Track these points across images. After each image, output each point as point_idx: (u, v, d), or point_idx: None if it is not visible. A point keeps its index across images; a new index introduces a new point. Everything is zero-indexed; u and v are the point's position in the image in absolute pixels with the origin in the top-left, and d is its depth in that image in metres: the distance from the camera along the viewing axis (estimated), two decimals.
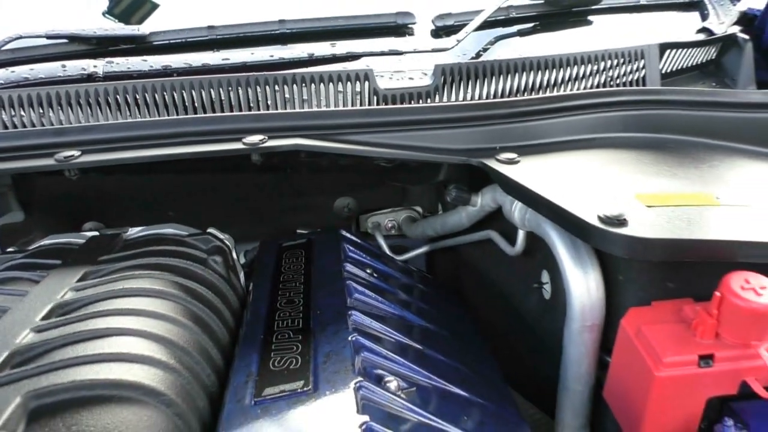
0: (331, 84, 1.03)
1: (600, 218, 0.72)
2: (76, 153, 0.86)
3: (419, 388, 0.73)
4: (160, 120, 0.91)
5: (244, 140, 0.87)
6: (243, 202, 1.21)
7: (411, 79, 1.08)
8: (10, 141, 0.89)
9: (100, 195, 1.25)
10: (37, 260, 0.83)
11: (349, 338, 0.72)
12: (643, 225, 0.72)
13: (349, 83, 1.04)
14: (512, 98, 1.02)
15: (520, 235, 0.93)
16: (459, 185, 1.02)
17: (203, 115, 0.98)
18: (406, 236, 1.31)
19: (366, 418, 0.59)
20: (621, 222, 0.71)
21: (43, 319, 0.65)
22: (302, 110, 0.98)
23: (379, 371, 0.69)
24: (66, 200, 1.25)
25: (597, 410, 0.87)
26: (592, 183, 0.84)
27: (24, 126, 0.99)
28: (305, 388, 0.63)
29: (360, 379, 0.64)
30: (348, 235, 1.06)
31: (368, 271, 0.94)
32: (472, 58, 1.20)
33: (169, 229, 0.93)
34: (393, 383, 0.68)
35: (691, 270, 0.76)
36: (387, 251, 1.24)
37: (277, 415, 0.60)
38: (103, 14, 1.48)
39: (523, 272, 0.98)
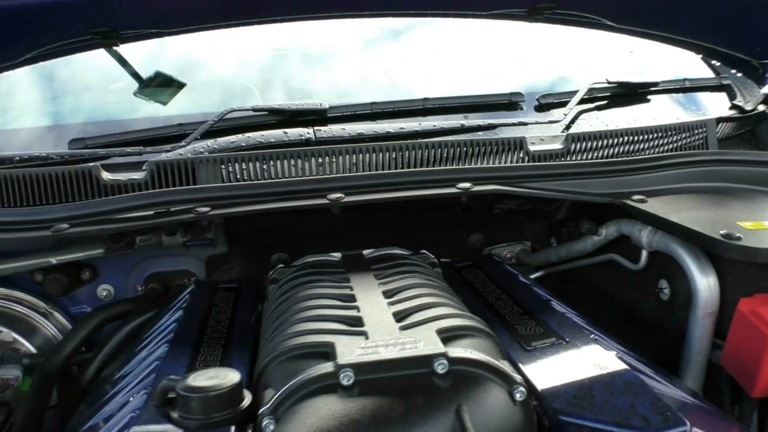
0: (496, 146, 1.41)
1: (722, 235, 1.11)
2: (341, 195, 1.21)
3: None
4: (397, 172, 1.27)
5: (458, 186, 1.23)
6: (405, 236, 1.55)
7: (553, 143, 1.46)
8: (289, 186, 1.24)
9: (282, 231, 1.58)
10: (320, 268, 1.16)
11: (565, 314, 1.07)
12: (751, 240, 1.10)
13: (507, 146, 1.42)
14: (630, 158, 1.41)
15: (644, 254, 1.30)
16: (590, 220, 1.40)
17: (427, 168, 1.34)
18: (522, 264, 1.67)
19: (615, 354, 0.93)
20: (737, 238, 1.10)
21: (389, 300, 0.98)
22: (494, 165, 1.35)
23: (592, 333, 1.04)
24: (259, 236, 1.58)
25: (709, 377, 1.22)
26: (704, 216, 1.22)
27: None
28: (559, 341, 0.98)
29: (591, 333, 0.99)
30: (498, 259, 1.42)
31: (526, 278, 1.30)
32: (585, 130, 1.57)
33: (395, 250, 1.27)
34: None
35: None
36: None
37: (545, 356, 0.94)
38: (135, 94, 1.81)
39: (641, 283, 1.34)
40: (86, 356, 1.34)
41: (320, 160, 1.36)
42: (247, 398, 0.81)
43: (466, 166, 1.33)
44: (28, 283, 1.45)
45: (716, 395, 1.22)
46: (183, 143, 1.44)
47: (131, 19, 1.47)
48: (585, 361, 0.91)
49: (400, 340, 0.82)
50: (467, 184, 1.24)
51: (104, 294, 1.53)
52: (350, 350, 0.79)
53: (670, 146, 1.54)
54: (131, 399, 0.88)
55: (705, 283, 1.17)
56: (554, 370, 0.90)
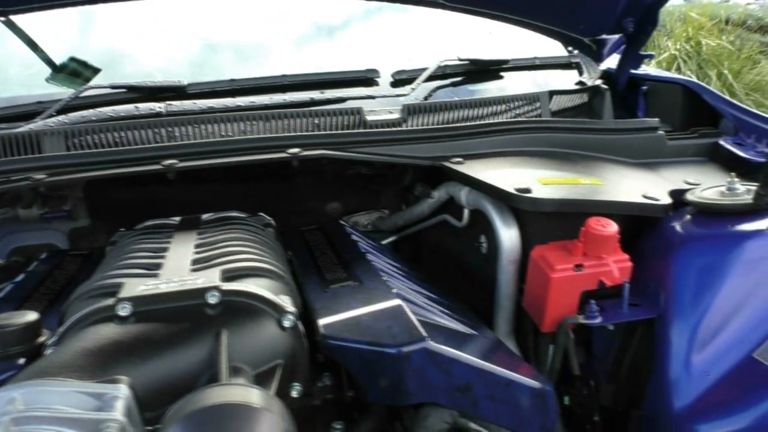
0: (333, 117, 1.51)
1: (516, 189, 1.24)
2: (176, 161, 1.29)
3: (420, 294, 1.19)
4: (231, 139, 1.36)
5: (288, 151, 1.33)
6: (262, 207, 1.63)
7: (390, 113, 1.58)
8: (126, 155, 1.31)
9: (150, 203, 1.64)
10: (154, 230, 1.24)
11: (371, 262, 1.18)
12: (540, 192, 1.23)
13: (345, 117, 1.52)
14: (457, 125, 1.54)
15: (466, 212, 1.42)
16: (423, 184, 1.52)
17: (259, 136, 1.43)
18: (379, 231, 1.78)
19: (396, 290, 1.05)
20: (527, 190, 1.23)
21: (196, 250, 1.07)
22: (324, 132, 1.45)
23: (394, 279, 1.16)
24: (126, 208, 1.63)
25: (519, 319, 1.36)
26: (509, 174, 1.35)
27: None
28: (355, 283, 1.08)
29: (386, 278, 1.11)
30: (345, 223, 1.52)
31: (364, 239, 1.41)
32: (422, 101, 1.71)
33: (233, 213, 1.35)
34: (401, 284, 1.14)
35: (571, 222, 1.27)
36: None
37: (341, 294, 1.05)
38: (47, 80, 1.86)
39: (468, 240, 1.47)
40: None
41: (161, 130, 1.43)
42: (47, 335, 0.89)
43: (298, 134, 1.43)
44: None
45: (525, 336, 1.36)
46: (37, 119, 1.49)
47: None
48: (366, 298, 1.02)
49: (184, 279, 0.91)
50: (296, 149, 1.34)
51: None
52: (134, 288, 0.88)
53: (505, 116, 1.67)
54: None
55: (507, 234, 1.30)
56: (338, 305, 1.01)
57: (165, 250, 1.08)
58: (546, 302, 1.22)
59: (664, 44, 6.93)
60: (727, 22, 6.94)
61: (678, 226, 1.28)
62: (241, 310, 0.87)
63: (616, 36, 1.81)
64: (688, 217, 1.30)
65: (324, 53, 2.07)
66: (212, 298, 0.85)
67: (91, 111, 1.51)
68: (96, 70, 1.84)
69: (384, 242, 1.72)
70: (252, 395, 0.69)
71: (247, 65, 1.96)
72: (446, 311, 1.16)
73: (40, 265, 1.32)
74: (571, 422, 1.30)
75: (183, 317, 0.84)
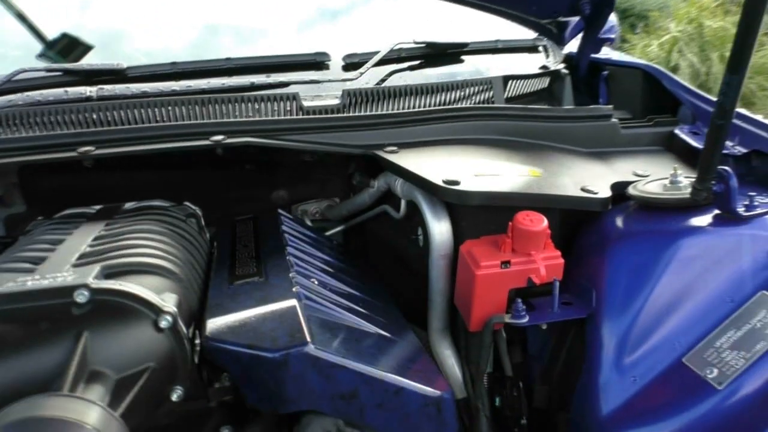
0: (269, 102, 1.45)
1: (444, 181, 1.17)
2: (92, 148, 1.24)
3: (335, 292, 1.14)
4: (151, 126, 1.30)
5: (211, 138, 1.27)
6: (201, 194, 1.58)
7: (332, 99, 1.51)
8: (41, 141, 1.26)
9: (88, 190, 1.59)
10: (67, 220, 1.19)
11: (287, 257, 1.13)
12: (468, 184, 1.17)
13: (282, 102, 1.46)
14: (393, 111, 1.47)
15: (402, 203, 1.36)
16: (361, 172, 1.45)
17: (181, 122, 1.37)
18: (327, 220, 1.72)
19: (298, 289, 0.99)
20: (455, 182, 1.16)
21: (91, 243, 1.02)
22: (252, 118, 1.39)
23: (307, 275, 1.11)
24: (62, 194, 1.59)
25: (453, 317, 1.30)
26: (445, 164, 1.28)
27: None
28: (260, 279, 1.03)
29: (294, 274, 1.05)
30: (282, 212, 1.47)
31: (297, 229, 1.35)
32: (365, 86, 1.63)
33: (156, 202, 1.30)
34: (315, 281, 1.09)
35: (503, 216, 1.20)
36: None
37: (241, 292, 1.00)
38: (37, 57, 1.82)
39: (406, 232, 1.41)
40: None
41: (87, 115, 1.38)
42: None
43: (224, 120, 1.37)
44: None
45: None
46: None
47: None
48: (263, 296, 0.97)
49: (58, 275, 0.86)
50: (220, 137, 1.28)
51: None
52: (1, 283, 0.83)
53: (455, 104, 1.60)
54: None
55: (438, 227, 1.24)
56: (233, 304, 0.96)
57: (60, 242, 1.03)
58: (472, 300, 1.16)
59: (666, 26, 6.79)
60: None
61: (617, 221, 1.22)
62: (111, 309, 0.82)
63: (577, 18, 1.73)
64: (629, 211, 1.23)
65: (281, 36, 2.00)
66: (80, 297, 0.80)
67: (19, 95, 1.46)
68: (88, 48, 1.79)
69: (330, 232, 1.67)
70: (86, 412, 0.65)
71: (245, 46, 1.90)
72: (364, 311, 1.11)
73: None
74: (501, 425, 1.25)
75: (45, 317, 0.79)
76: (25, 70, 1.54)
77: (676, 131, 1.49)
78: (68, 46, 1.81)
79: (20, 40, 1.85)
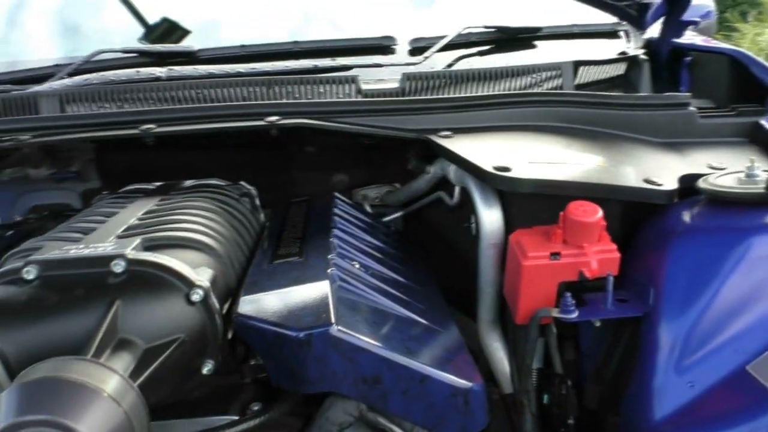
0: (329, 85, 1.46)
1: (494, 167, 1.13)
2: (153, 126, 1.28)
3: (376, 277, 1.12)
4: (208, 105, 1.34)
5: (266, 119, 1.29)
6: (262, 175, 1.61)
7: (392, 83, 1.49)
8: (107, 118, 1.32)
9: (153, 168, 1.66)
10: (126, 195, 1.25)
11: (331, 239, 1.13)
12: (520, 171, 1.12)
13: (341, 85, 1.46)
14: (451, 96, 1.43)
15: (456, 190, 1.33)
16: (418, 157, 1.43)
17: (238, 103, 1.39)
18: (387, 206, 1.71)
19: (332, 270, 0.99)
20: (506, 169, 1.12)
21: (140, 216, 1.06)
22: (309, 100, 1.40)
23: (349, 258, 1.10)
24: (131, 172, 1.66)
25: (503, 309, 1.26)
26: (499, 150, 1.24)
27: None
28: (300, 259, 1.03)
29: (333, 256, 1.05)
30: (339, 195, 1.47)
31: (349, 212, 1.35)
32: (425, 70, 1.59)
33: (213, 180, 1.34)
34: (357, 264, 1.08)
35: (558, 206, 1.15)
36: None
37: (278, 271, 1.00)
38: (139, 40, 1.89)
39: (460, 219, 1.37)
40: None
41: (159, 94, 1.43)
42: None
43: (280, 101, 1.38)
44: None
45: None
46: (48, 82, 1.53)
47: None
48: (298, 276, 0.97)
49: (100, 245, 0.89)
50: (275, 117, 1.29)
51: None
52: (47, 251, 0.87)
53: (521, 90, 1.54)
54: None
55: (489, 215, 1.20)
56: (268, 282, 0.96)
57: (113, 215, 1.07)
58: (519, 291, 1.11)
59: None
60: None
61: (682, 215, 1.14)
62: (145, 280, 0.84)
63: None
64: (698, 206, 1.14)
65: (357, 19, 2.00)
66: (117, 267, 0.83)
67: (94, 75, 1.53)
68: (186, 32, 1.87)
69: (388, 218, 1.65)
70: (105, 379, 0.66)
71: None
72: (404, 298, 1.09)
73: (30, 223, 1.37)
74: (548, 423, 1.20)
75: (82, 284, 0.82)
76: (104, 51, 1.62)
77: (762, 122, 1.37)
78: (167, 31, 1.89)
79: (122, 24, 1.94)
